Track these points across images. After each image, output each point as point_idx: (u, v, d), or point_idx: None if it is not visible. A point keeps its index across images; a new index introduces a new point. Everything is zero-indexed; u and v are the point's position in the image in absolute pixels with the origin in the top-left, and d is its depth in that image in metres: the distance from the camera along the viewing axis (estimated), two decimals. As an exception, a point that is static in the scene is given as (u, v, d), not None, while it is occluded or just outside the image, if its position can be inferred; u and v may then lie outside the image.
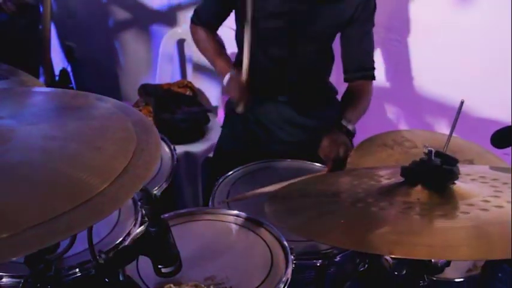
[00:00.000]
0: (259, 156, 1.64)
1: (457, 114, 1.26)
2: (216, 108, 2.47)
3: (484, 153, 1.42)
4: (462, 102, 1.25)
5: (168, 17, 2.52)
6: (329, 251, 1.21)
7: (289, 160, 1.63)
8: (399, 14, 1.97)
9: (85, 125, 0.81)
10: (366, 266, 1.31)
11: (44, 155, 0.70)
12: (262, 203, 0.98)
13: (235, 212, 1.20)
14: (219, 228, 1.17)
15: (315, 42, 1.62)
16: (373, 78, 1.69)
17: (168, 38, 2.43)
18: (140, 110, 2.31)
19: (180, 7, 2.50)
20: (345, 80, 1.71)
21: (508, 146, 1.06)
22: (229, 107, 1.83)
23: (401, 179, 0.93)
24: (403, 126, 2.19)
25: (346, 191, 0.99)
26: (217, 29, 1.74)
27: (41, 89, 0.99)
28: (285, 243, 1.08)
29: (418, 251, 0.71)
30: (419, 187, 0.88)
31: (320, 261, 1.20)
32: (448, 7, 1.91)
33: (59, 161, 0.69)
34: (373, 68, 1.69)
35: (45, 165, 0.67)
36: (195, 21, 1.72)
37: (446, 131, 1.94)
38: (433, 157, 0.89)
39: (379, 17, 1.62)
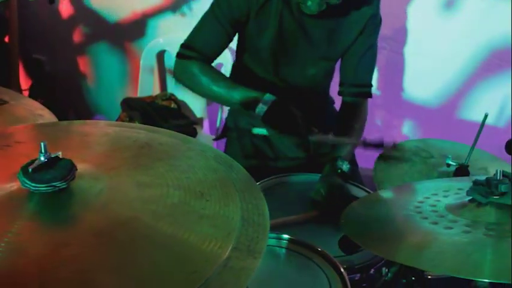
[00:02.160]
0: (268, 172, 1.61)
1: (481, 127, 1.32)
2: (201, 119, 2.41)
3: (494, 160, 1.50)
4: (486, 116, 1.31)
5: (137, 27, 2.42)
6: (363, 265, 1.22)
7: (303, 174, 1.62)
8: (395, 23, 2.02)
9: (170, 166, 0.75)
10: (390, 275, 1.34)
11: (149, 207, 0.64)
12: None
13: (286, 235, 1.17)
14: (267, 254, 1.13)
15: (325, 63, 1.60)
16: (370, 96, 1.63)
17: (149, 50, 2.33)
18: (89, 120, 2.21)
19: (146, 15, 2.41)
20: (339, 94, 1.64)
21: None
22: (232, 123, 1.78)
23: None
24: (390, 131, 2.26)
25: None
26: (212, 62, 1.50)
27: (97, 123, 0.90)
28: (342, 270, 1.07)
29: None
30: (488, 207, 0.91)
31: (358, 275, 1.22)
32: (433, 15, 1.98)
33: (170, 217, 0.63)
34: (371, 85, 1.62)
35: (156, 223, 0.61)
36: (186, 55, 1.47)
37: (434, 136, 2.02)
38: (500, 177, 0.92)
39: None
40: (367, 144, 1.37)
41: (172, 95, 2.39)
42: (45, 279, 0.52)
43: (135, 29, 2.46)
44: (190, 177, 0.72)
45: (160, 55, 2.39)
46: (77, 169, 0.64)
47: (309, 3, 1.33)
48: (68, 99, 2.51)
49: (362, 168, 1.99)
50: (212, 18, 1.44)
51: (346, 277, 1.06)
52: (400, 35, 2.06)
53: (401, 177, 1.35)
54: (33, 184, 0.60)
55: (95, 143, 0.80)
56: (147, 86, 2.39)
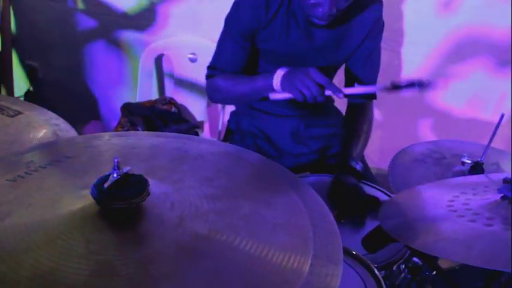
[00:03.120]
0: None
1: (497, 126, 1.36)
2: (202, 123, 2.40)
3: (504, 155, 1.55)
4: (502, 116, 1.36)
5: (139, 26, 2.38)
6: (386, 262, 1.25)
7: (315, 175, 1.63)
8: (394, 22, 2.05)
9: (229, 176, 0.75)
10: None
11: (224, 220, 0.64)
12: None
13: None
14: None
15: (331, 68, 1.62)
16: (375, 97, 1.65)
17: (147, 54, 2.31)
18: (128, 131, 2.19)
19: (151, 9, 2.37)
20: (345, 96, 1.68)
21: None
22: (235, 125, 1.78)
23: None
24: (386, 128, 2.29)
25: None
26: None
27: (136, 134, 0.89)
28: (377, 273, 1.09)
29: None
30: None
31: (382, 272, 1.24)
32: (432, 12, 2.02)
33: (246, 228, 0.63)
34: None
35: (235, 236, 0.61)
36: (212, 74, 1.55)
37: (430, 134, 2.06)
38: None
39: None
40: (398, 87, 1.28)
41: (172, 99, 2.37)
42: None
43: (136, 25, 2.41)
44: (252, 186, 0.73)
45: (159, 59, 2.36)
46: (149, 184, 0.64)
47: (320, 10, 1.32)
48: (63, 105, 2.45)
49: (375, 168, 2.03)
50: (227, 37, 1.49)
51: (380, 276, 1.08)
52: (398, 34, 2.10)
53: (417, 180, 1.38)
54: (111, 202, 0.59)
55: (148, 156, 0.79)
56: (146, 90, 2.36)
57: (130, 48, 2.46)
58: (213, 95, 1.58)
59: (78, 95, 2.53)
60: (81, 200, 0.64)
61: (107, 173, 0.62)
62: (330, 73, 1.65)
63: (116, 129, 2.21)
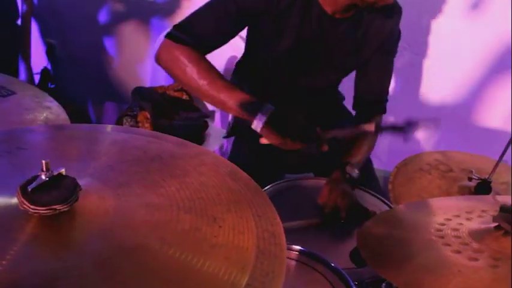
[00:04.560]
0: (274, 168, 1.56)
1: (509, 142, 1.25)
2: (213, 113, 2.36)
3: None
4: (516, 131, 1.25)
5: (168, 10, 2.34)
6: (374, 279, 1.18)
7: (313, 178, 1.59)
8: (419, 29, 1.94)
9: (181, 183, 0.70)
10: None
11: (157, 234, 0.59)
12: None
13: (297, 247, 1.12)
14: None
15: (341, 72, 1.55)
16: (384, 112, 1.57)
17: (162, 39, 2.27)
18: (136, 116, 2.17)
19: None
20: (353, 108, 1.60)
21: None
22: (242, 121, 1.73)
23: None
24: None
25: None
26: (205, 55, 1.28)
27: (106, 127, 0.85)
28: (350, 281, 1.03)
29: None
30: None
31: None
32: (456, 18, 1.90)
33: (180, 245, 0.58)
34: (386, 101, 1.57)
35: (166, 252, 0.56)
36: (179, 38, 1.25)
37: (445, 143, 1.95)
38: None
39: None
40: (385, 129, 1.27)
41: (184, 85, 2.33)
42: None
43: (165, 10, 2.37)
44: (203, 198, 0.67)
45: (174, 44, 2.32)
46: (81, 189, 0.59)
47: None
48: (79, 84, 2.46)
49: (382, 170, 1.94)
50: (219, 4, 1.27)
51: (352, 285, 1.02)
52: (419, 38, 1.99)
53: (419, 192, 1.30)
54: (31, 206, 0.55)
55: (103, 154, 0.75)
56: (159, 75, 2.33)
57: (150, 31, 2.43)
58: (169, 64, 1.28)
59: (95, 75, 2.53)
60: (10, 199, 0.60)
61: (36, 174, 0.58)
62: (338, 76, 1.58)
63: (124, 113, 2.20)
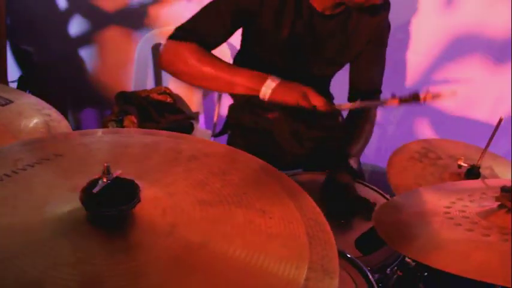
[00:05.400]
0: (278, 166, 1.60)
1: (495, 130, 1.35)
2: (197, 114, 2.37)
3: (498, 159, 1.54)
4: (501, 120, 1.34)
5: (139, 16, 2.34)
6: (381, 265, 1.24)
7: (310, 173, 1.62)
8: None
9: (223, 181, 0.73)
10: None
11: (218, 229, 0.62)
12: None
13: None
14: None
15: (333, 67, 1.60)
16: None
17: (144, 42, 2.26)
18: (122, 121, 2.15)
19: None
20: (349, 100, 1.66)
21: None
22: (235, 120, 1.76)
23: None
24: (383, 126, 2.27)
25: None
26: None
27: (129, 131, 0.86)
28: (370, 277, 1.08)
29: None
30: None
31: (376, 275, 1.23)
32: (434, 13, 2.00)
33: (240, 238, 0.61)
34: (380, 91, 1.63)
35: (229, 246, 0.59)
36: (183, 37, 1.31)
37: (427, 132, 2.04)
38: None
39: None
40: (401, 100, 1.30)
41: (167, 89, 2.33)
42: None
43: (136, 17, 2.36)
44: (247, 193, 0.71)
45: (156, 48, 2.32)
46: (140, 190, 0.61)
47: None
48: (58, 91, 2.41)
49: (371, 165, 2.02)
50: (220, 4, 1.35)
51: (373, 280, 1.08)
52: (402, 33, 2.08)
53: (416, 180, 1.37)
54: (99, 208, 0.57)
55: (141, 156, 0.77)
56: (142, 79, 2.32)
57: (128, 35, 2.41)
58: (174, 60, 1.32)
59: (74, 81, 2.49)
60: (70, 203, 0.61)
61: (97, 177, 0.60)
62: (330, 71, 1.63)
63: (109, 118, 2.18)
